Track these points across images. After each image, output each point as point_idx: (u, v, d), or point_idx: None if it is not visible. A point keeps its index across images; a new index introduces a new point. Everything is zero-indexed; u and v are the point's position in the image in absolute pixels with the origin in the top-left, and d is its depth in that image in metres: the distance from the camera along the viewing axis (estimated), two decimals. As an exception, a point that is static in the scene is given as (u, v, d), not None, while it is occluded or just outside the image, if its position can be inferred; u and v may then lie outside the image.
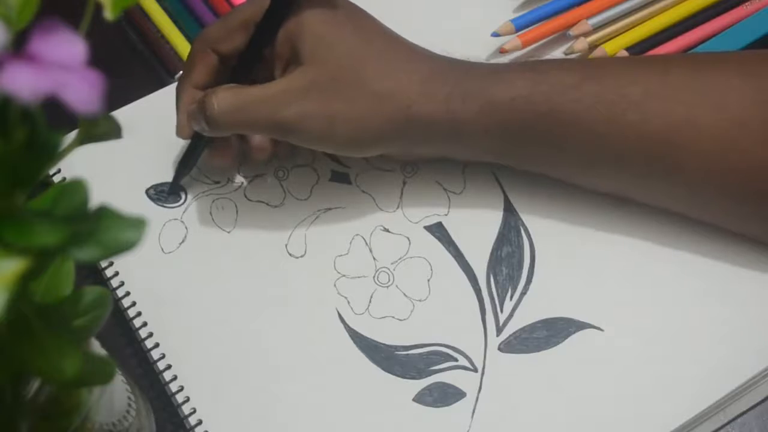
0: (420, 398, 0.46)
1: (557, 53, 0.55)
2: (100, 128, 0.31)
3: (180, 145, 0.52)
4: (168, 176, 0.52)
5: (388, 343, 0.48)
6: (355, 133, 0.46)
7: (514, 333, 0.47)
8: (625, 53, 0.54)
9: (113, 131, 0.31)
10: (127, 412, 0.42)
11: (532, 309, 0.48)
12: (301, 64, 0.45)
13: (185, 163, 0.51)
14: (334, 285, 0.49)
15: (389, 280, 0.49)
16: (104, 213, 0.27)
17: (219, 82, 0.47)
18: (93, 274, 0.51)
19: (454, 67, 0.47)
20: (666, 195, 0.48)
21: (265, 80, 0.46)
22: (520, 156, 0.48)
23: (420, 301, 0.49)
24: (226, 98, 0.45)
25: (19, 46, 0.26)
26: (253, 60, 0.47)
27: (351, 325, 0.48)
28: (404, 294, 0.49)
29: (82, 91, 0.24)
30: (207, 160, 0.51)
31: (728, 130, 0.44)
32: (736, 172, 0.44)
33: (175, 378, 0.47)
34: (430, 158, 0.50)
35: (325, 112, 0.45)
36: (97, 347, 0.38)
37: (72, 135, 0.31)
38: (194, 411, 0.46)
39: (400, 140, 0.47)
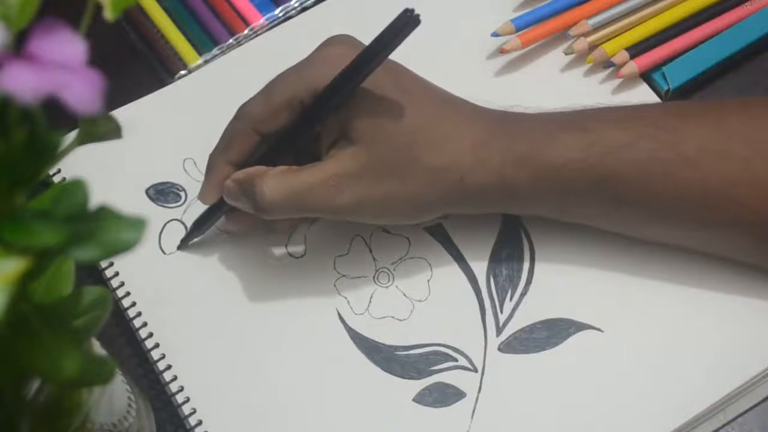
0: (420, 398, 0.46)
1: (557, 53, 0.55)
2: (100, 128, 0.31)
3: (180, 143, 0.52)
4: (168, 176, 0.52)
5: (388, 343, 0.48)
6: (409, 209, 0.46)
7: (514, 333, 0.47)
8: (625, 53, 0.54)
9: (113, 131, 0.31)
10: (127, 412, 0.42)
11: (531, 309, 0.48)
12: (352, 144, 0.44)
13: (200, 225, 0.49)
14: (334, 285, 0.49)
15: (389, 281, 0.49)
16: (104, 213, 0.28)
17: (254, 156, 0.46)
18: (93, 274, 0.51)
19: (503, 126, 0.46)
20: (726, 245, 0.47)
21: (304, 151, 0.46)
22: (578, 214, 0.47)
23: (420, 301, 0.49)
24: (276, 186, 0.44)
25: (19, 46, 0.26)
26: (297, 139, 0.45)
27: (351, 325, 0.48)
28: (404, 294, 0.49)
29: (82, 91, 0.24)
30: (223, 224, 0.49)
31: None
32: None
33: (175, 378, 0.47)
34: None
35: (380, 194, 0.44)
36: (97, 347, 0.38)
37: (72, 135, 0.31)
38: (194, 411, 0.46)
39: (455, 207, 0.47)
